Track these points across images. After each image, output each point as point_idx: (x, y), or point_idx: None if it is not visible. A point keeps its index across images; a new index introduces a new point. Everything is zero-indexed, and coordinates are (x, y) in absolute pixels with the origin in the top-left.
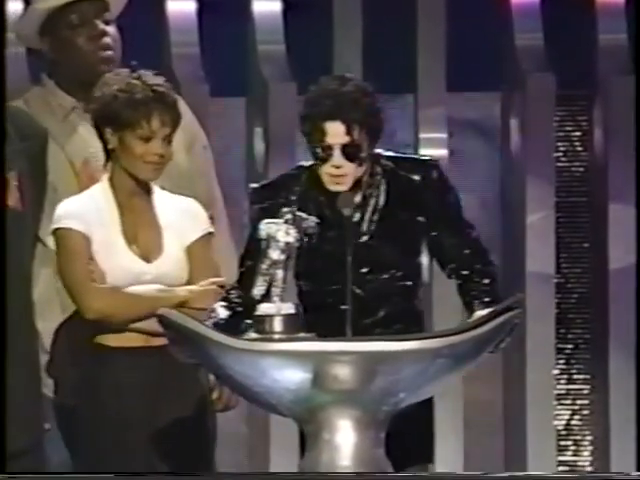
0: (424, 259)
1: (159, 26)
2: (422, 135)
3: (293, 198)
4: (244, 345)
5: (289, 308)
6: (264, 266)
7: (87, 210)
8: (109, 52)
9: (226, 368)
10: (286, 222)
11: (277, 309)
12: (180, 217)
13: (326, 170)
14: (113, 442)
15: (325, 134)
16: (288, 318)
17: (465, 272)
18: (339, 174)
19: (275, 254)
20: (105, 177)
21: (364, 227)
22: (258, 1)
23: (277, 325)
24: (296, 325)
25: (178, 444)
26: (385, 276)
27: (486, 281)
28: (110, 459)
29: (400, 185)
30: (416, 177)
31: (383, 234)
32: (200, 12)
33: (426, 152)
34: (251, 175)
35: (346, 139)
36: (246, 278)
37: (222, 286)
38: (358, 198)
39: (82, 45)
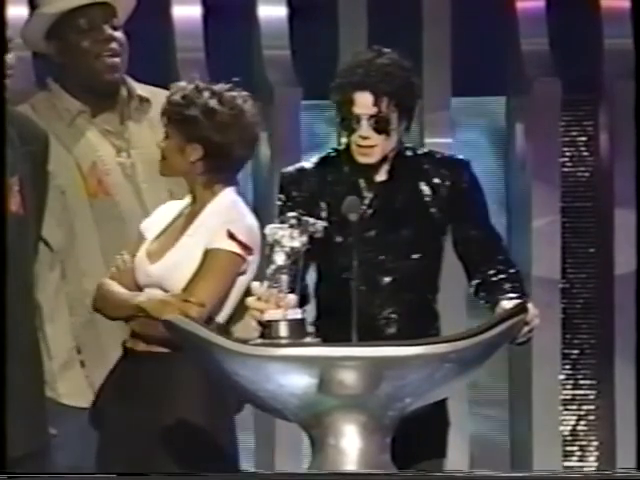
0: (440, 259)
1: (165, 31)
2: (427, 140)
3: (344, 174)
4: (249, 350)
5: (295, 313)
6: (269, 271)
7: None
8: (116, 58)
9: (232, 373)
10: (291, 227)
11: (283, 314)
12: (211, 226)
13: (354, 140)
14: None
15: (354, 104)
16: (294, 323)
17: (494, 274)
18: (366, 145)
19: (280, 259)
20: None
21: (381, 203)
22: (263, 6)
23: (283, 330)
24: (302, 330)
25: (179, 448)
26: (395, 274)
27: (516, 284)
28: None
29: (427, 182)
30: (446, 176)
31: (399, 215)
32: (205, 17)
33: None
34: (256, 180)
35: (374, 110)
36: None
37: (203, 305)
38: (383, 177)
39: (90, 50)
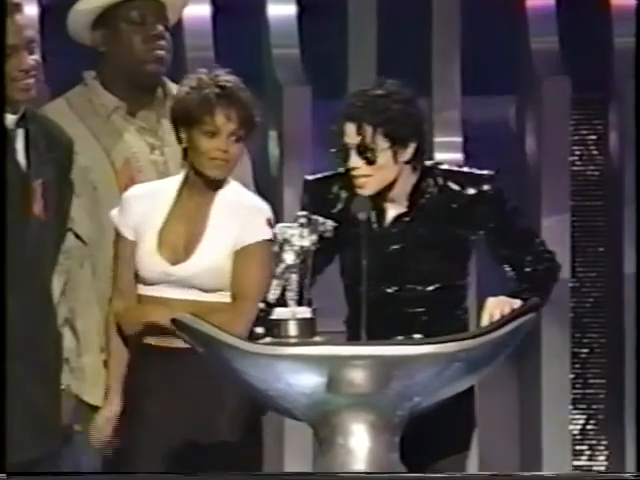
0: (467, 274)
1: (174, 30)
2: (437, 139)
3: (343, 195)
4: (259, 349)
5: (304, 312)
6: (279, 270)
7: (143, 211)
8: (162, 52)
9: (241, 372)
10: (301, 226)
11: (292, 313)
12: (237, 218)
13: (350, 172)
14: (140, 441)
15: (343, 134)
16: (303, 322)
17: (525, 273)
18: (356, 175)
19: (290, 258)
20: (182, 174)
21: (401, 235)
22: (273, 5)
23: (292, 329)
24: (311, 329)
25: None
26: (418, 286)
27: (540, 282)
28: (134, 457)
29: (452, 199)
30: (470, 191)
31: (422, 244)
32: (215, 16)
33: (441, 156)
34: (265, 179)
35: (358, 139)
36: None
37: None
38: (403, 209)
39: (138, 42)
